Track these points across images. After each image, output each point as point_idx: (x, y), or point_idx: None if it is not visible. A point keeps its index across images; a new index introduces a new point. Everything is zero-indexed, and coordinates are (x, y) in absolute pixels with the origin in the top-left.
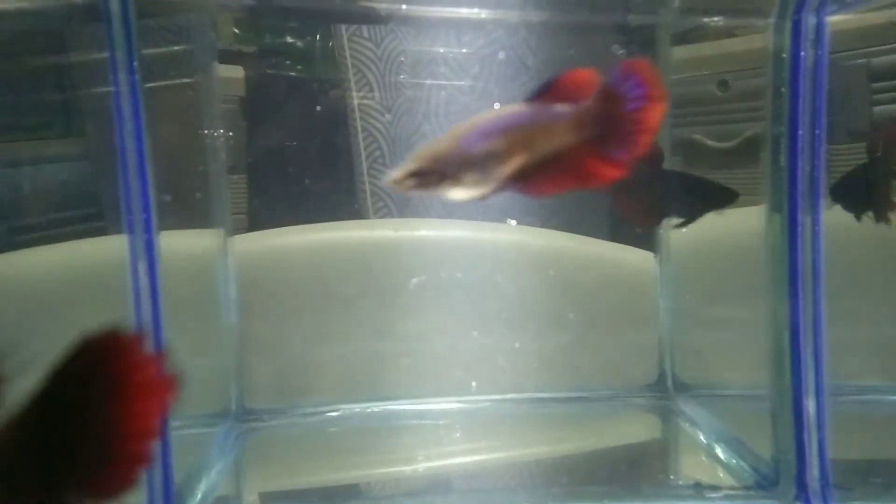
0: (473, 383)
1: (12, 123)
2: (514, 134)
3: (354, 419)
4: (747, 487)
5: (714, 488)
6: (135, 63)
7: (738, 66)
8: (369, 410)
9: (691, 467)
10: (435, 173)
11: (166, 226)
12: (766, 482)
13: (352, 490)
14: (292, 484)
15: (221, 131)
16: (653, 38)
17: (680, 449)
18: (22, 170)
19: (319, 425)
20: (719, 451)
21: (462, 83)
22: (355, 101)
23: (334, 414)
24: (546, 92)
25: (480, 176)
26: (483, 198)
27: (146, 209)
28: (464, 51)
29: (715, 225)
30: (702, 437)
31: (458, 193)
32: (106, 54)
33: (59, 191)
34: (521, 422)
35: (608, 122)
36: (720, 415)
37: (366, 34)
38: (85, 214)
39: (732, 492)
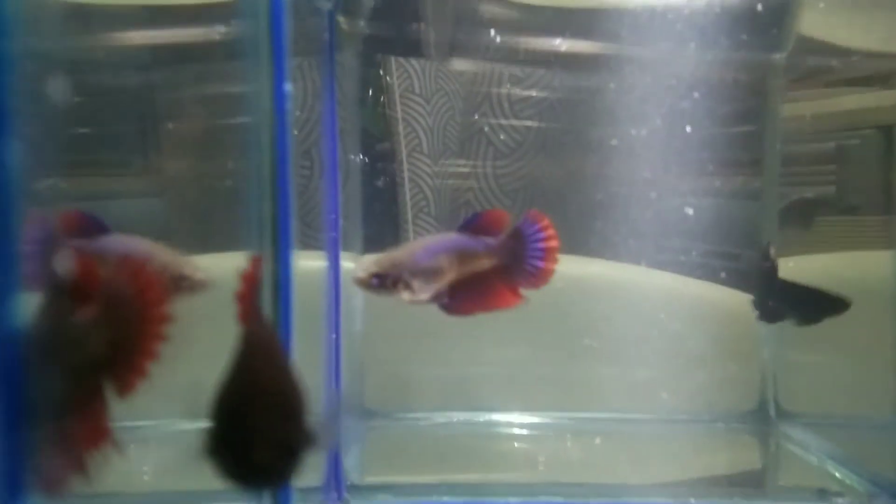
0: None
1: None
2: (450, 254)
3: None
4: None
5: (839, 494)
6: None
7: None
8: (475, 420)
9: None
10: (391, 277)
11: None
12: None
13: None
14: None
15: None
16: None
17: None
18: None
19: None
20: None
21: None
22: (404, 154)
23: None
24: (471, 224)
25: (424, 284)
26: (420, 303)
27: (335, 228)
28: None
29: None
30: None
31: (405, 296)
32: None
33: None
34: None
35: (516, 257)
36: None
37: (417, 90)
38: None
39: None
